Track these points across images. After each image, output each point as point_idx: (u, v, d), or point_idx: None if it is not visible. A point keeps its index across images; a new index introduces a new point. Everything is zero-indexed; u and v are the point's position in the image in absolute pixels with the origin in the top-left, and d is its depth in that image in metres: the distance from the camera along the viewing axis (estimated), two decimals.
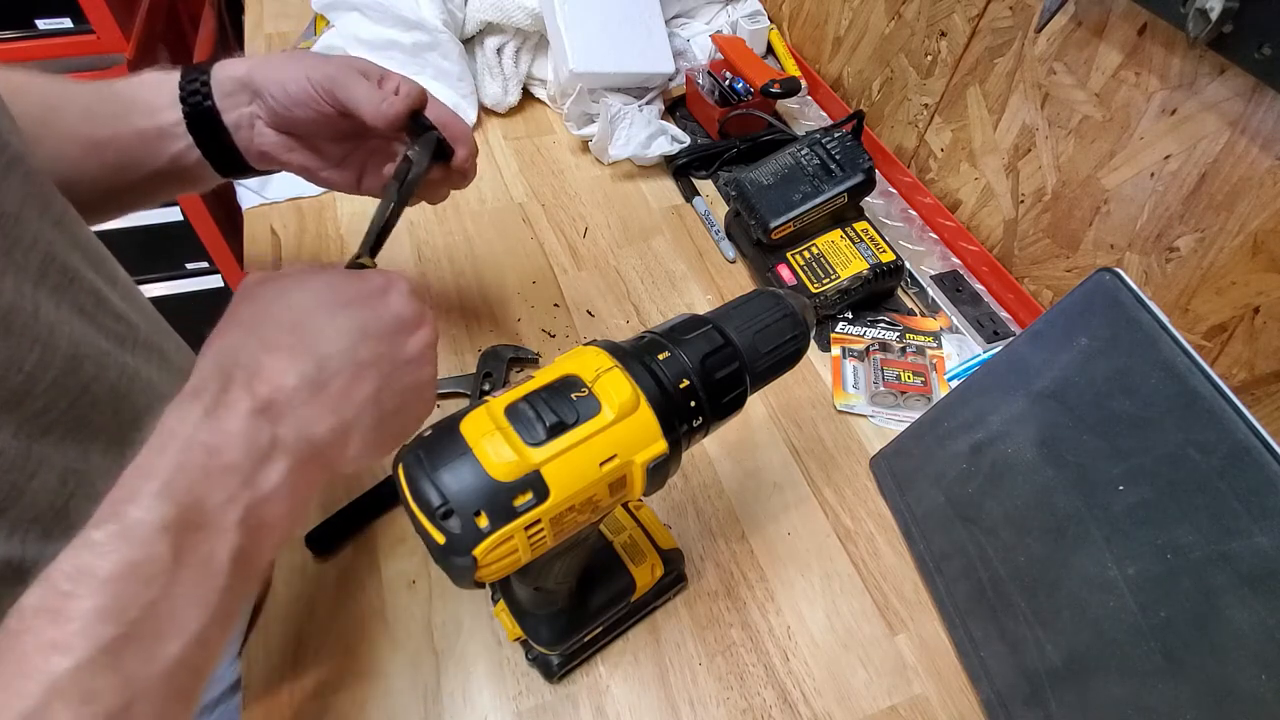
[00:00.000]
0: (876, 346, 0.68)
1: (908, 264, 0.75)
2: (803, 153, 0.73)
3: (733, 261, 0.77)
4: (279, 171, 0.54)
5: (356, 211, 0.78)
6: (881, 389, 0.64)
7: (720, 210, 0.82)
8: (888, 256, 0.70)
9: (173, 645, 0.29)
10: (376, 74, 0.49)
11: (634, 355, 0.36)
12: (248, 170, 0.53)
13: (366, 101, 0.47)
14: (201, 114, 0.48)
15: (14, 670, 0.26)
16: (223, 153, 0.50)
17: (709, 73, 0.91)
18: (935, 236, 0.81)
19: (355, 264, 0.43)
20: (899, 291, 0.75)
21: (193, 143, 0.49)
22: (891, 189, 0.86)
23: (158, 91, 0.48)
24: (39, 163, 0.40)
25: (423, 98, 0.49)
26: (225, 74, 0.49)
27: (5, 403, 0.35)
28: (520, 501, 0.32)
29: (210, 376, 0.32)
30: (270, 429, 0.32)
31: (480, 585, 0.33)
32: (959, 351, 0.69)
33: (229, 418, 0.31)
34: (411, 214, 0.78)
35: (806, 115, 0.96)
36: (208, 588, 0.30)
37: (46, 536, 0.38)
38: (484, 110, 0.91)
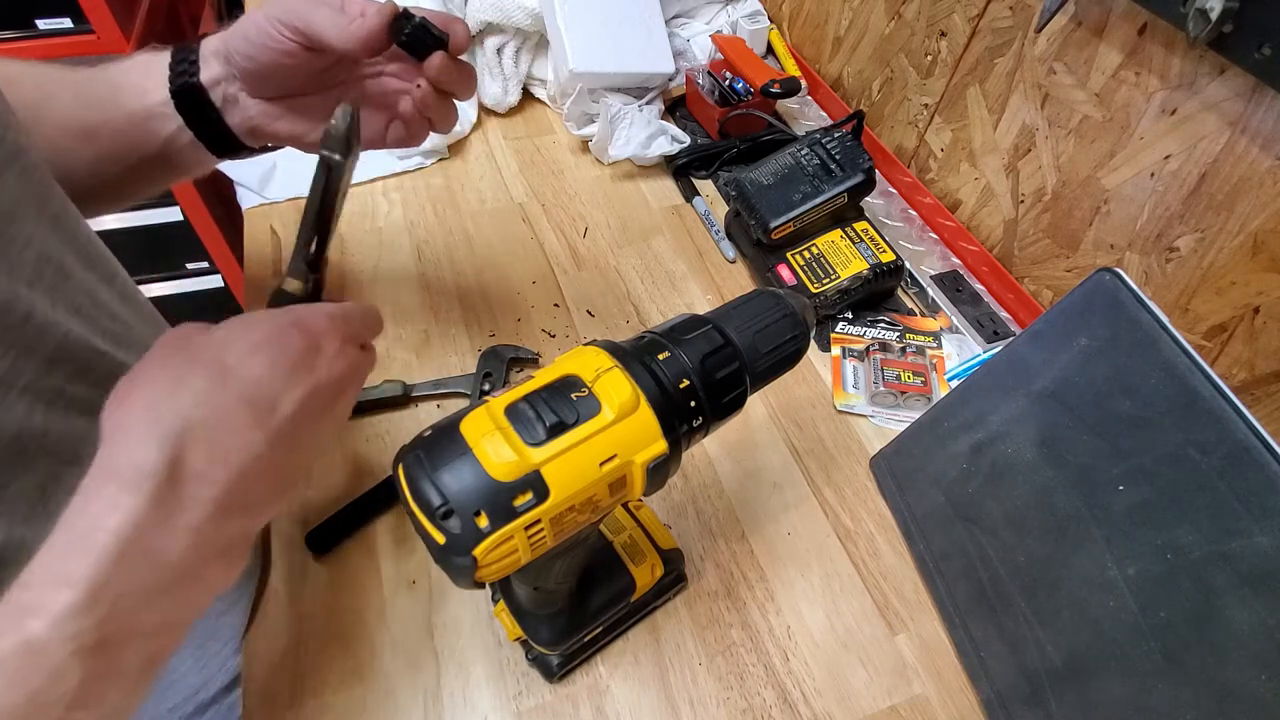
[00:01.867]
0: (876, 346, 0.68)
1: (908, 264, 0.75)
2: (803, 153, 0.73)
3: (733, 261, 0.77)
4: (274, 149, 0.52)
5: (356, 211, 0.78)
6: (881, 389, 0.64)
7: (720, 210, 0.82)
8: (888, 256, 0.70)
9: None
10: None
11: (634, 355, 0.36)
12: (242, 149, 0.50)
13: (331, 25, 0.42)
14: (188, 92, 0.46)
15: None
16: (214, 132, 0.48)
17: (709, 73, 0.91)
18: (935, 236, 0.81)
19: (279, 296, 0.39)
20: (899, 291, 0.75)
21: (183, 124, 0.47)
22: (891, 189, 0.86)
23: (147, 73, 0.46)
24: (36, 158, 0.39)
25: (394, 6, 0.43)
26: (207, 48, 0.46)
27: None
28: (520, 501, 0.32)
29: (148, 454, 0.27)
30: (221, 519, 0.28)
31: (480, 585, 0.33)
32: (959, 351, 0.69)
33: (177, 510, 0.27)
34: (411, 214, 0.79)
35: (806, 115, 0.96)
36: (116, 696, 0.27)
37: (27, 521, 0.37)
38: (484, 110, 0.91)
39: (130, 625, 0.26)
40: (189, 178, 0.55)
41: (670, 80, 0.92)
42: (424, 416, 0.62)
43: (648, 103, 0.89)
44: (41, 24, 1.17)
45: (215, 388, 0.30)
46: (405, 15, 0.43)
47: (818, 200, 0.69)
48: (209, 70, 0.46)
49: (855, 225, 0.72)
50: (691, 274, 0.76)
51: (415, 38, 0.43)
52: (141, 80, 0.46)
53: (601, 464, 0.34)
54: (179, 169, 0.51)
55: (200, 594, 0.29)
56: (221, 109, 0.47)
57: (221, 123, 0.48)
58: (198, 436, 0.28)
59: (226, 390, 0.30)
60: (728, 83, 0.90)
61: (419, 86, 0.46)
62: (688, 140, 0.87)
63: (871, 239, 0.71)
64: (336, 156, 0.39)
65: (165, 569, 0.27)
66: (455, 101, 0.48)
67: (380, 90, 0.49)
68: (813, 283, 0.69)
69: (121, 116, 0.47)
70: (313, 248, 0.39)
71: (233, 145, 0.50)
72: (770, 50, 1.02)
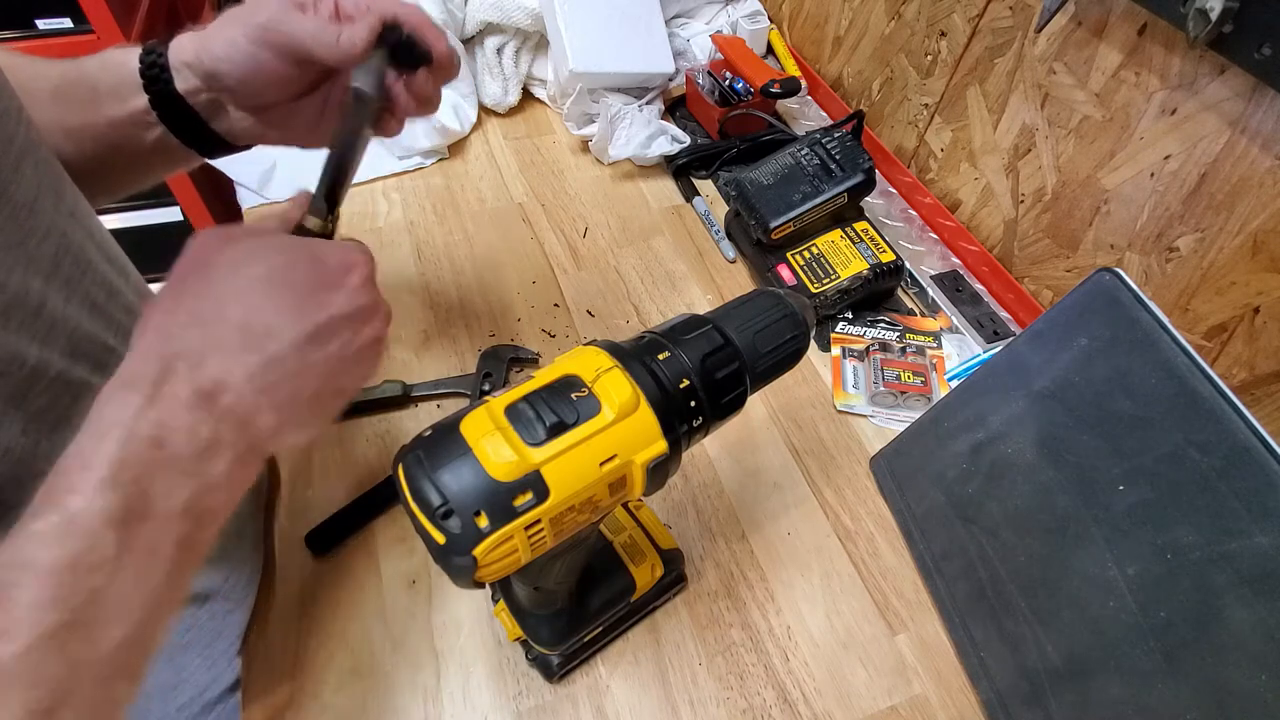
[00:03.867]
0: (876, 346, 0.68)
1: (908, 264, 0.75)
2: (803, 153, 0.73)
3: (733, 261, 0.77)
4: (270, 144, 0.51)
5: (356, 211, 0.78)
6: (881, 389, 0.64)
7: (720, 210, 0.82)
8: (888, 256, 0.70)
9: (116, 629, 0.29)
10: (325, 6, 0.43)
11: (634, 355, 0.36)
12: (235, 148, 0.50)
13: (318, 42, 0.41)
14: (168, 98, 0.45)
15: None
16: (202, 136, 0.47)
17: (709, 73, 0.91)
18: (935, 236, 0.81)
19: (302, 228, 0.40)
20: (899, 291, 0.75)
21: (168, 130, 0.46)
22: (891, 189, 0.86)
23: (120, 75, 0.45)
24: (48, 151, 0.39)
25: (381, 13, 0.43)
26: (178, 58, 0.44)
27: (11, 397, 0.35)
28: (520, 501, 0.32)
29: (149, 363, 0.32)
30: (213, 423, 0.32)
31: (480, 585, 0.33)
32: (959, 351, 0.69)
33: (172, 410, 0.31)
34: (411, 214, 0.79)
35: (806, 115, 0.96)
36: (152, 575, 0.30)
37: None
38: (484, 110, 0.91)
39: (155, 504, 0.30)
40: (180, 172, 0.54)
41: (670, 80, 0.92)
42: (424, 416, 0.62)
43: (648, 103, 0.89)
44: (41, 24, 1.17)
45: (214, 314, 0.33)
46: (392, 27, 0.43)
47: (818, 200, 0.69)
48: (184, 81, 0.45)
49: (855, 225, 0.72)
50: (691, 274, 0.76)
51: (402, 51, 0.44)
52: (117, 85, 0.45)
53: (601, 464, 0.34)
54: (166, 168, 0.51)
55: (216, 487, 0.33)
56: (206, 118, 0.47)
57: (207, 128, 0.47)
58: (188, 354, 0.32)
59: (223, 317, 0.33)
60: (728, 83, 0.90)
61: (398, 91, 0.46)
62: (688, 140, 0.87)
63: (871, 239, 0.71)
64: (369, 91, 0.41)
65: (174, 456, 0.31)
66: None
67: (341, 61, 0.48)
68: (813, 283, 0.69)
69: (103, 122, 0.46)
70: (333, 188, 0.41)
71: (222, 146, 0.49)
72: (770, 50, 1.02)
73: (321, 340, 0.35)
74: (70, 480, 0.29)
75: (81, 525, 0.29)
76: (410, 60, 0.44)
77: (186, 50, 0.44)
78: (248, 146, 0.50)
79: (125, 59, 0.45)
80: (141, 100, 0.45)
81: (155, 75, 0.44)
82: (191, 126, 0.47)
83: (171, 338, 0.33)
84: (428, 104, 0.48)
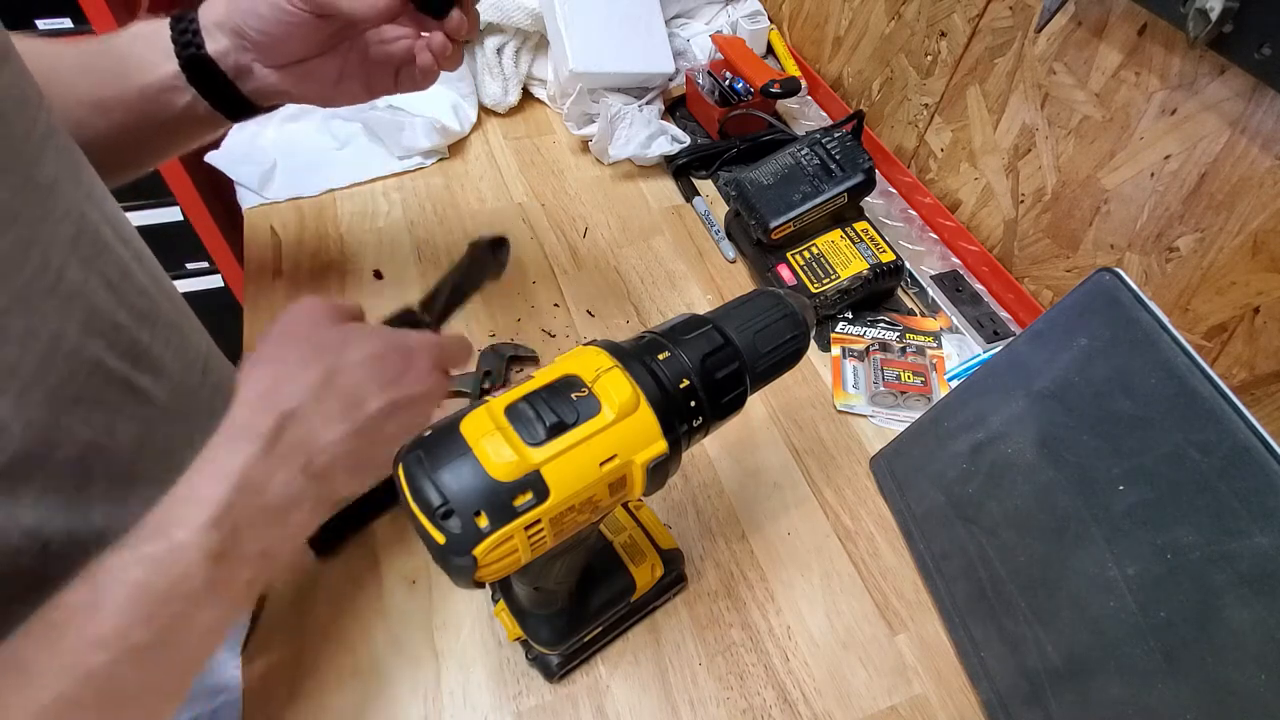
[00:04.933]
0: (876, 346, 0.68)
1: (908, 264, 0.75)
2: (803, 153, 0.73)
3: (733, 261, 0.77)
4: (290, 103, 0.53)
5: (356, 211, 0.78)
6: (881, 389, 0.64)
7: (720, 210, 0.82)
8: (888, 256, 0.70)
9: (187, 654, 0.33)
10: None
11: (634, 355, 0.36)
12: (257, 111, 0.52)
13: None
14: (199, 63, 0.47)
15: (54, 656, 0.29)
16: (230, 99, 0.49)
17: (709, 73, 0.91)
18: (935, 236, 0.81)
19: (405, 315, 0.46)
20: (899, 291, 0.75)
21: (198, 94, 0.48)
22: (891, 189, 0.86)
23: (151, 45, 0.47)
24: (67, 136, 0.40)
25: None
26: (209, 19, 0.47)
27: (35, 371, 0.36)
28: (520, 501, 0.32)
29: (263, 416, 0.36)
30: (303, 481, 0.36)
31: (480, 585, 0.33)
32: (959, 351, 0.69)
33: (281, 468, 0.35)
34: (411, 214, 0.79)
35: (806, 115, 0.96)
36: (225, 607, 0.34)
37: (69, 506, 0.39)
38: (484, 110, 0.91)
39: (243, 546, 0.34)
40: (204, 141, 0.56)
41: (670, 80, 0.92)
42: None
43: (648, 103, 0.89)
44: (41, 24, 1.17)
45: (324, 382, 0.38)
46: None
47: (818, 200, 0.69)
48: (215, 43, 0.47)
49: (855, 225, 0.72)
50: (691, 274, 0.76)
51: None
52: (147, 53, 0.47)
53: (601, 464, 0.34)
54: (194, 136, 0.53)
55: (290, 536, 0.37)
56: (234, 79, 0.48)
57: (234, 90, 0.49)
58: (300, 415, 0.36)
59: (332, 387, 0.38)
60: (728, 83, 0.90)
61: (433, 37, 0.49)
62: (688, 140, 0.87)
63: (871, 239, 0.71)
64: (492, 258, 0.49)
65: (268, 506, 0.35)
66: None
67: (381, 40, 0.52)
68: (813, 283, 0.69)
69: (133, 90, 0.47)
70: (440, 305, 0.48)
71: (248, 108, 0.51)
72: (770, 50, 1.02)
73: (398, 414, 0.40)
74: (181, 513, 0.33)
75: (184, 556, 0.32)
76: (441, 5, 0.47)
77: (217, 10, 0.47)
78: (272, 108, 0.52)
79: (156, 28, 0.47)
80: (171, 65, 0.47)
81: (187, 40, 0.47)
82: (219, 89, 0.49)
83: (286, 396, 0.37)
84: (471, 33, 0.50)
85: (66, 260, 0.38)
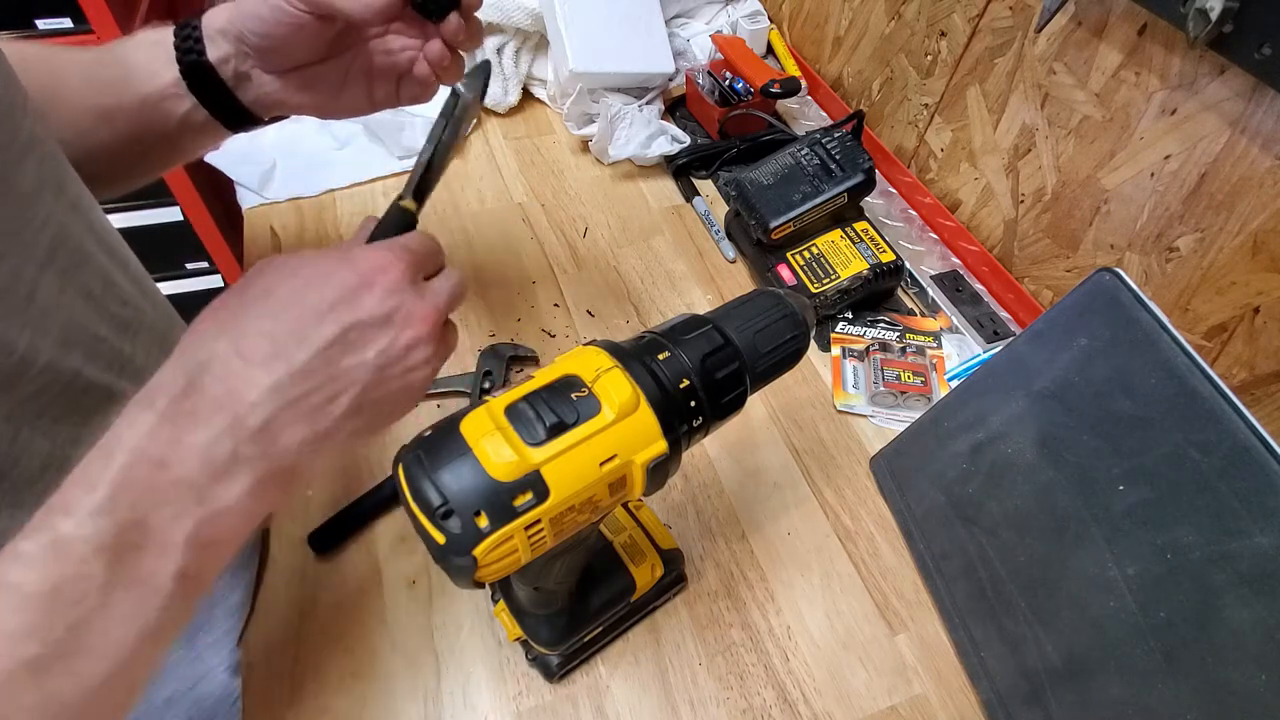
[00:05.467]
0: (876, 346, 0.68)
1: (908, 264, 0.75)
2: (803, 153, 0.73)
3: (733, 261, 0.77)
4: (283, 119, 0.52)
5: (356, 211, 0.78)
6: (881, 389, 0.64)
7: (720, 210, 0.82)
8: (888, 256, 0.70)
9: (100, 665, 0.27)
10: None
11: (634, 355, 0.36)
12: (257, 122, 0.51)
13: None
14: (198, 69, 0.46)
15: None
16: (229, 108, 0.49)
17: (709, 73, 0.91)
18: (935, 236, 0.81)
19: (395, 207, 0.41)
20: (899, 291, 0.75)
21: (197, 103, 0.47)
22: (891, 189, 0.86)
23: (153, 53, 0.46)
24: (54, 145, 0.40)
25: None
26: (212, 26, 0.46)
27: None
28: (520, 501, 0.32)
29: (173, 378, 0.30)
30: (231, 443, 0.30)
31: (480, 585, 0.33)
32: (959, 351, 0.69)
33: (187, 428, 0.29)
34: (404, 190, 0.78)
35: (806, 115, 0.96)
36: (145, 607, 0.28)
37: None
38: (484, 110, 0.91)
39: (150, 534, 0.28)
40: (203, 153, 0.55)
41: (670, 80, 0.92)
42: (424, 416, 0.62)
43: (648, 103, 0.89)
44: (41, 24, 1.17)
45: (247, 321, 0.32)
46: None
47: (818, 200, 0.69)
48: (216, 49, 0.46)
49: (855, 225, 0.72)
50: (691, 274, 0.76)
51: (476, 71, 0.45)
52: (149, 62, 0.46)
53: (601, 464, 0.34)
54: (194, 146, 0.52)
55: (234, 513, 0.30)
56: (233, 87, 0.48)
57: (234, 99, 0.48)
58: (216, 365, 0.31)
59: (256, 323, 0.32)
60: (728, 83, 0.90)
61: (430, 45, 0.47)
62: (688, 140, 0.87)
63: (871, 239, 0.71)
64: (467, 93, 0.44)
65: (179, 482, 0.29)
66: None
67: (385, 49, 0.50)
68: (813, 283, 0.69)
69: (135, 99, 0.47)
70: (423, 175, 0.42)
71: (247, 119, 0.50)
72: (770, 50, 1.02)
73: (352, 347, 0.33)
74: (66, 500, 0.28)
75: (69, 551, 0.27)
76: (442, 6, 0.45)
77: (220, 17, 0.46)
78: (271, 120, 0.52)
79: (159, 36, 0.46)
80: (172, 72, 0.46)
81: (189, 46, 0.46)
82: (218, 98, 0.48)
83: (199, 349, 0.31)
84: (472, 42, 0.47)
85: (41, 273, 0.37)
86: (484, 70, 0.45)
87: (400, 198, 0.41)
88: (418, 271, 0.36)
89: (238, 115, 0.49)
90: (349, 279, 0.34)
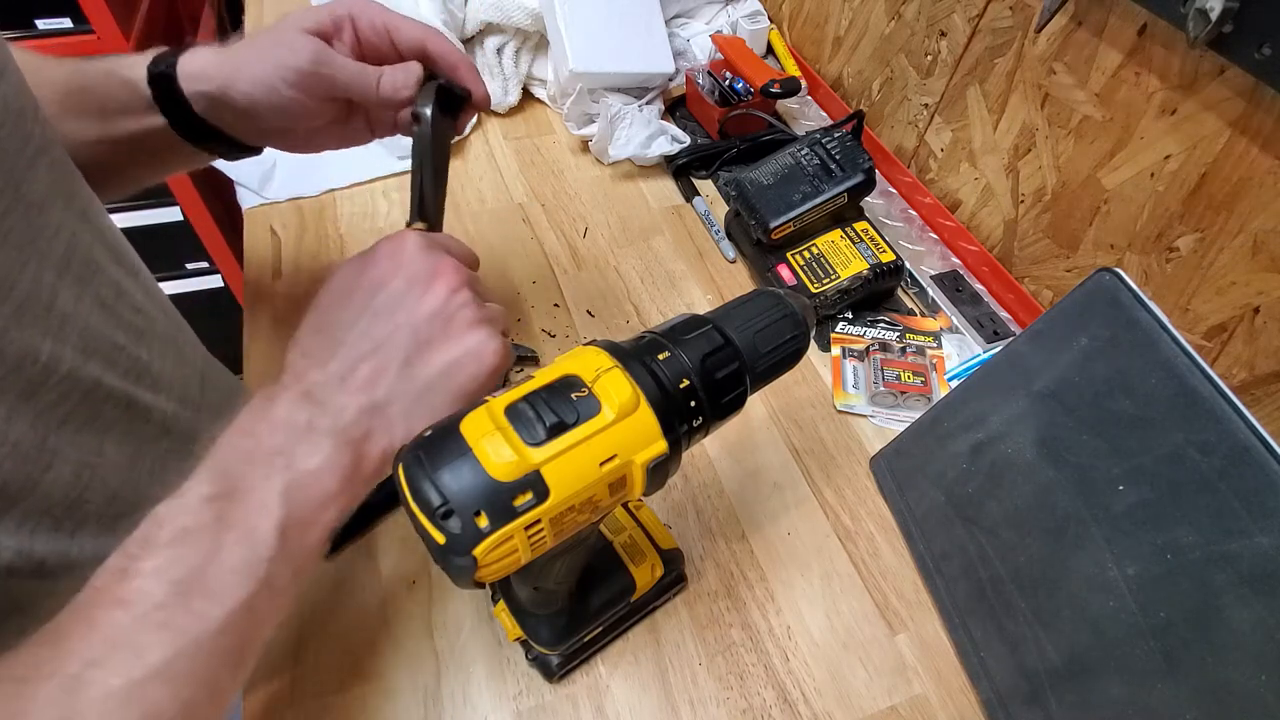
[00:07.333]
0: (876, 346, 0.68)
1: (908, 264, 0.75)
2: (803, 153, 0.73)
3: (733, 261, 0.77)
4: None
5: (356, 211, 0.78)
6: (881, 389, 0.64)
7: (720, 210, 0.82)
8: (888, 256, 0.70)
9: (217, 608, 0.31)
10: (348, 37, 0.45)
11: (634, 355, 0.36)
12: (255, 150, 0.52)
13: (358, 89, 0.44)
14: (187, 118, 0.46)
15: (86, 622, 0.29)
16: (223, 144, 0.49)
17: (709, 73, 0.91)
18: (935, 236, 0.81)
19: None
20: (899, 291, 0.75)
21: (187, 143, 0.48)
22: (891, 189, 0.86)
23: (133, 93, 0.45)
24: (62, 152, 0.40)
25: (423, 60, 0.46)
26: (194, 87, 0.45)
27: (22, 392, 0.35)
28: (520, 501, 0.32)
29: (277, 375, 0.37)
30: (306, 414, 0.35)
31: (480, 585, 0.33)
32: (959, 351, 0.69)
33: (273, 407, 0.35)
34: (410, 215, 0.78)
35: (806, 115, 0.96)
36: (252, 557, 0.32)
37: (57, 529, 0.38)
38: (484, 110, 0.91)
39: (247, 491, 0.33)
40: (201, 165, 0.56)
41: (670, 80, 0.92)
42: None
43: (648, 103, 0.89)
44: (41, 24, 1.17)
45: (303, 336, 0.39)
46: (429, 77, 0.46)
47: (818, 200, 0.69)
48: (208, 109, 0.46)
49: (855, 225, 0.72)
50: (691, 274, 0.76)
51: (442, 96, 0.46)
52: (129, 100, 0.46)
53: (601, 464, 0.34)
54: (186, 165, 0.52)
55: (314, 487, 0.35)
56: (230, 133, 0.48)
57: (224, 135, 0.48)
58: (287, 370, 0.38)
59: (309, 332, 0.39)
60: (728, 83, 0.90)
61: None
62: (688, 140, 0.87)
63: (871, 239, 0.71)
64: (427, 112, 0.45)
65: (266, 448, 0.34)
66: (447, 41, 0.49)
67: (379, 104, 0.50)
68: (813, 283, 0.69)
69: (121, 132, 0.47)
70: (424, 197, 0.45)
71: (245, 148, 0.51)
72: (770, 50, 1.02)
73: (379, 315, 0.38)
74: (193, 472, 0.33)
75: (187, 503, 0.32)
76: (450, 105, 0.46)
77: (202, 80, 0.45)
78: (260, 150, 0.53)
79: (132, 76, 0.45)
80: (158, 119, 0.46)
81: (170, 97, 0.45)
82: (214, 138, 0.48)
83: (293, 347, 0.38)
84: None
85: (59, 280, 0.37)
86: (432, 88, 0.46)
87: (409, 223, 0.44)
88: (427, 239, 0.40)
89: (234, 147, 0.50)
90: (366, 264, 0.39)
